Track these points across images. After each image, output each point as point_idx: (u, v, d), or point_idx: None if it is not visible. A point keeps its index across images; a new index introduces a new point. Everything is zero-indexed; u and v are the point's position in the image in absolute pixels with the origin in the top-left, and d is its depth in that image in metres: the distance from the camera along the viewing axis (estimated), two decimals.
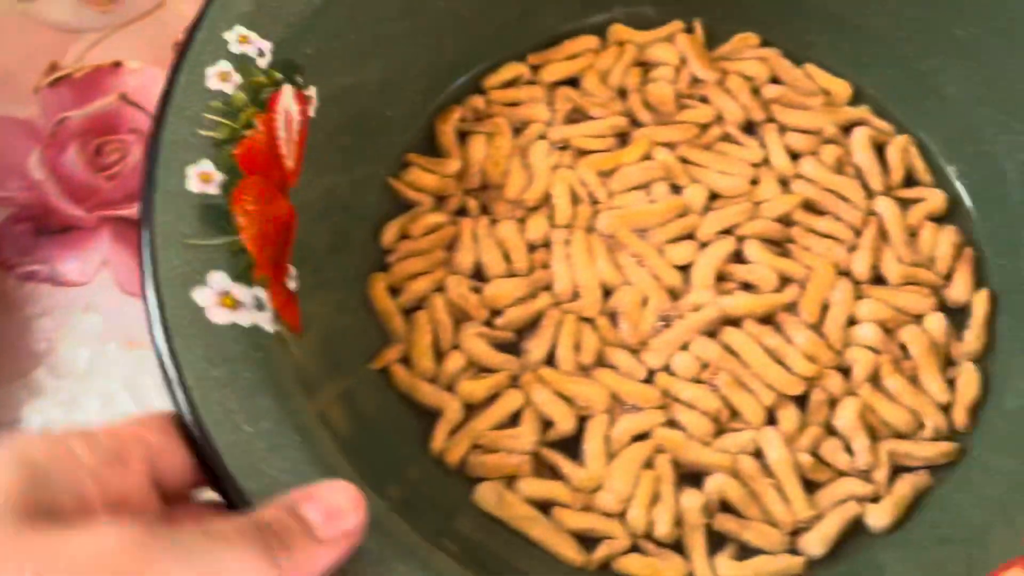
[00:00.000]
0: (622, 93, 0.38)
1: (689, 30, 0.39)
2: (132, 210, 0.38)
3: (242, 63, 0.29)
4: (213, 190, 0.27)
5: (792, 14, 0.39)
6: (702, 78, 0.38)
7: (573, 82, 0.38)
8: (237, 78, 0.29)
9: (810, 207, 0.36)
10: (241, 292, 0.26)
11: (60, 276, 0.37)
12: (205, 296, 0.25)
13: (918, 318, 0.34)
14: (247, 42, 0.29)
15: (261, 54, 0.29)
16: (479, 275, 0.35)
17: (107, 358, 0.35)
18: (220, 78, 0.28)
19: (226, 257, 0.26)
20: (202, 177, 0.27)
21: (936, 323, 0.34)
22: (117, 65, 0.41)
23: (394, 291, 0.34)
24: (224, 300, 0.25)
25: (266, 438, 0.23)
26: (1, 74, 0.41)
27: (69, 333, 0.36)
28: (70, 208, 0.38)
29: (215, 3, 0.29)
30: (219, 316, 0.25)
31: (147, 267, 0.25)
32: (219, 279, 0.25)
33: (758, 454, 0.32)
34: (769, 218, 0.35)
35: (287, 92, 0.30)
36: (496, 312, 0.34)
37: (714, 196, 0.36)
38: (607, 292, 0.34)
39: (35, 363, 0.35)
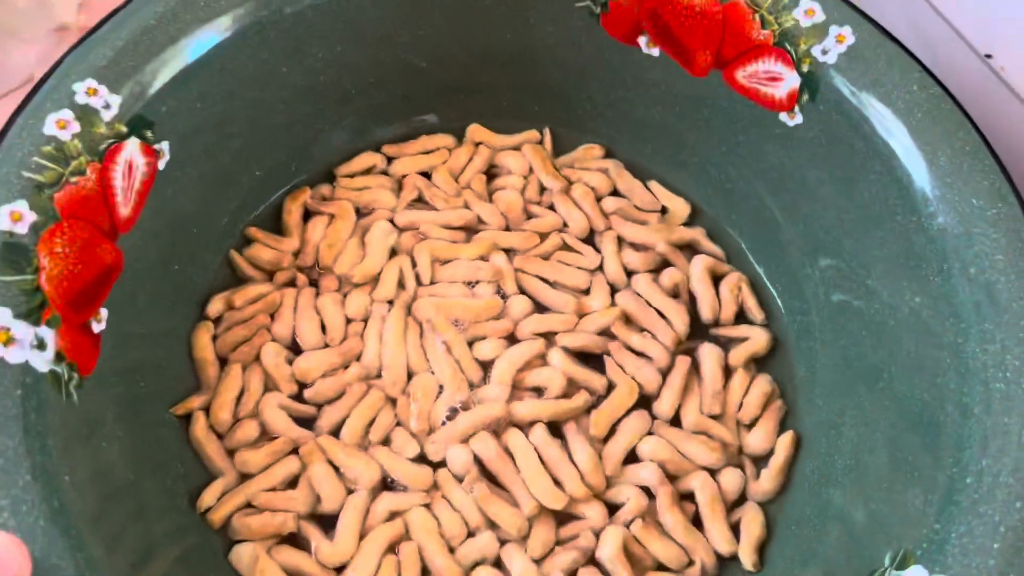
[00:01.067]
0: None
1: (541, 140, 0.41)
2: None
3: (85, 113, 0.31)
4: (21, 229, 0.28)
5: (645, 129, 0.40)
6: (549, 187, 0.39)
7: (425, 176, 0.40)
8: (76, 127, 0.30)
9: (633, 321, 0.37)
10: (21, 330, 0.27)
11: None
12: None
13: (710, 470, 0.34)
14: (95, 94, 0.31)
15: (107, 107, 0.31)
16: (296, 345, 0.36)
17: None
18: (58, 125, 0.30)
19: (14, 295, 0.27)
20: (12, 216, 0.28)
21: (730, 479, 0.34)
22: None
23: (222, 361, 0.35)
24: (0, 336, 0.27)
25: None
26: None
27: None
28: None
29: (73, 53, 0.31)
30: None
31: None
32: (1, 315, 0.27)
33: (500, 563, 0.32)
34: (588, 331, 0.36)
35: (132, 144, 0.32)
36: (306, 384, 0.35)
37: (540, 308, 0.37)
38: (411, 374, 0.35)
39: None
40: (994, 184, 0.30)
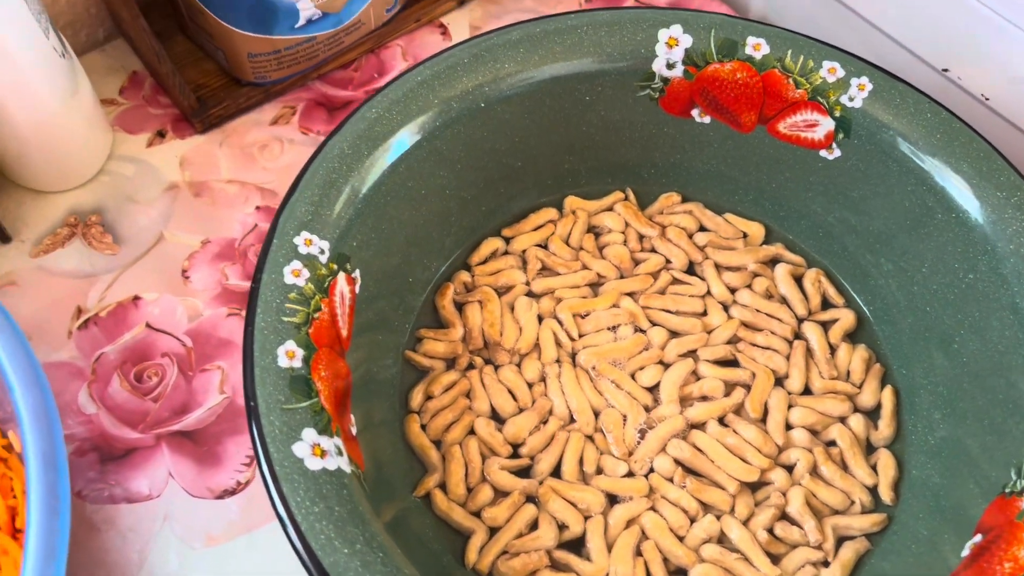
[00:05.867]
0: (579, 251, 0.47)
1: (625, 197, 0.49)
2: (181, 424, 0.43)
3: (309, 260, 0.37)
4: (297, 364, 0.35)
5: (704, 179, 0.49)
6: (646, 235, 0.48)
7: (541, 247, 0.47)
8: (306, 273, 0.37)
9: (749, 326, 0.45)
10: (326, 443, 0.34)
11: (133, 494, 0.41)
12: (302, 449, 0.33)
13: (841, 419, 0.43)
14: (311, 244, 0.38)
15: (322, 252, 0.38)
16: (495, 414, 0.43)
17: (194, 558, 0.40)
18: (294, 274, 0.37)
19: (311, 416, 0.34)
20: (288, 354, 0.35)
21: (857, 422, 0.43)
22: (136, 299, 0.46)
23: (436, 443, 0.42)
24: (315, 451, 0.33)
25: (359, 557, 0.31)
26: (35, 327, 0.45)
27: (155, 542, 0.40)
28: (126, 433, 0.42)
29: (283, 214, 0.38)
30: (313, 464, 0.33)
31: (255, 430, 0.33)
32: (310, 434, 0.33)
33: (722, 538, 0.40)
34: (720, 343, 0.45)
35: (341, 277, 0.39)
36: (518, 443, 0.42)
37: (673, 333, 0.45)
38: (596, 413, 0.43)
39: (133, 574, 0.39)
40: (1010, 178, 0.40)
